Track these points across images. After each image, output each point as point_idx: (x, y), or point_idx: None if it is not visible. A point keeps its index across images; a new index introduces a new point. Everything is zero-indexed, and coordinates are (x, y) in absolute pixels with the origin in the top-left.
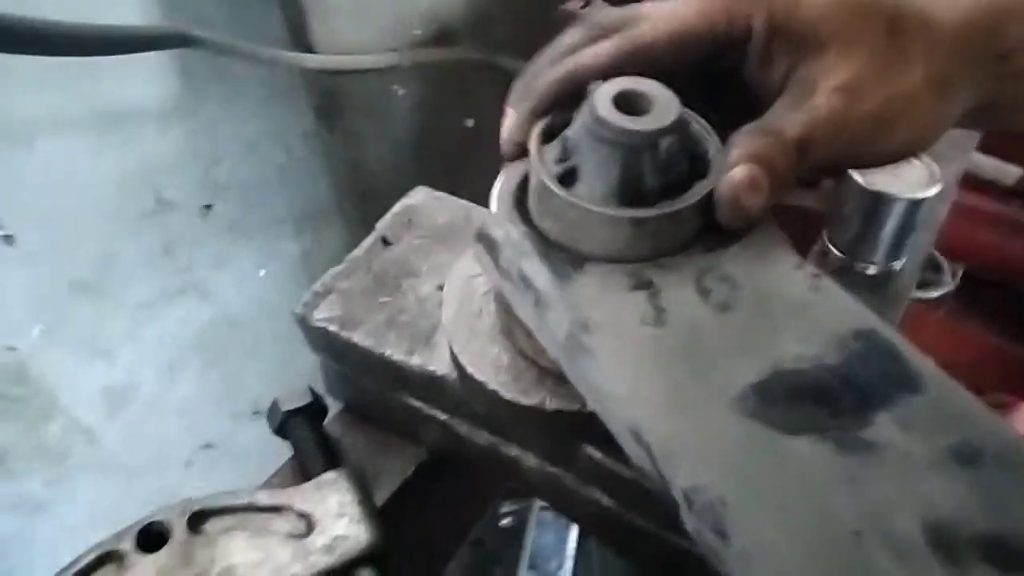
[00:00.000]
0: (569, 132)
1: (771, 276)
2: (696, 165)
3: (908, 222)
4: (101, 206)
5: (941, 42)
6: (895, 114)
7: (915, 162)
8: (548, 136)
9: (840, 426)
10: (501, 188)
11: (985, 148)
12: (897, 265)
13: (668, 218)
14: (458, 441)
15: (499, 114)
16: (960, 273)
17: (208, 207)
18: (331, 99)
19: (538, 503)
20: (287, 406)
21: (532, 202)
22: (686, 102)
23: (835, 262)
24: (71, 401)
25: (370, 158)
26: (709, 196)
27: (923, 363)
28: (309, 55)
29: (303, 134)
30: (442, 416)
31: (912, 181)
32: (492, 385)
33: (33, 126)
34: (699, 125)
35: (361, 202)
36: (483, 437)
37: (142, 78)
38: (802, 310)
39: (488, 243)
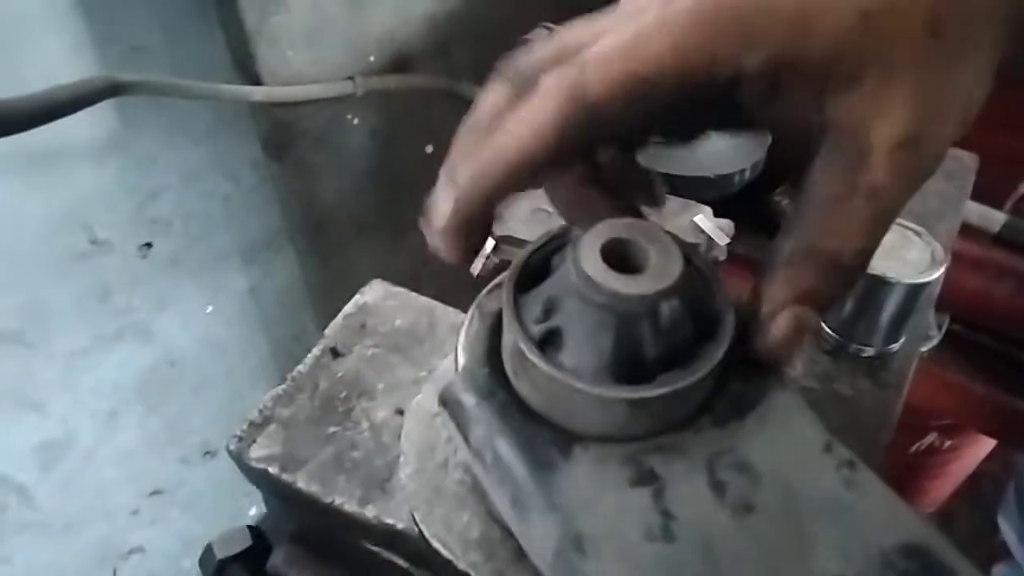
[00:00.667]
0: (551, 286)
1: (796, 463)
2: (703, 319)
3: (908, 305)
4: (28, 250)
5: (990, 26)
6: (955, 141)
7: (916, 240)
8: (526, 279)
9: None
10: (469, 333)
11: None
12: (895, 347)
13: (673, 396)
14: None
15: None
16: (946, 324)
17: (147, 245)
18: (281, 130)
19: None
20: (223, 553)
21: (507, 360)
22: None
23: (829, 342)
24: (0, 458)
25: (324, 190)
26: (721, 361)
27: None
28: (255, 88)
29: (252, 163)
30: (404, 564)
31: (913, 262)
32: (461, 565)
33: None
34: (703, 266)
35: (315, 235)
36: None
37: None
38: (837, 513)
39: (456, 410)
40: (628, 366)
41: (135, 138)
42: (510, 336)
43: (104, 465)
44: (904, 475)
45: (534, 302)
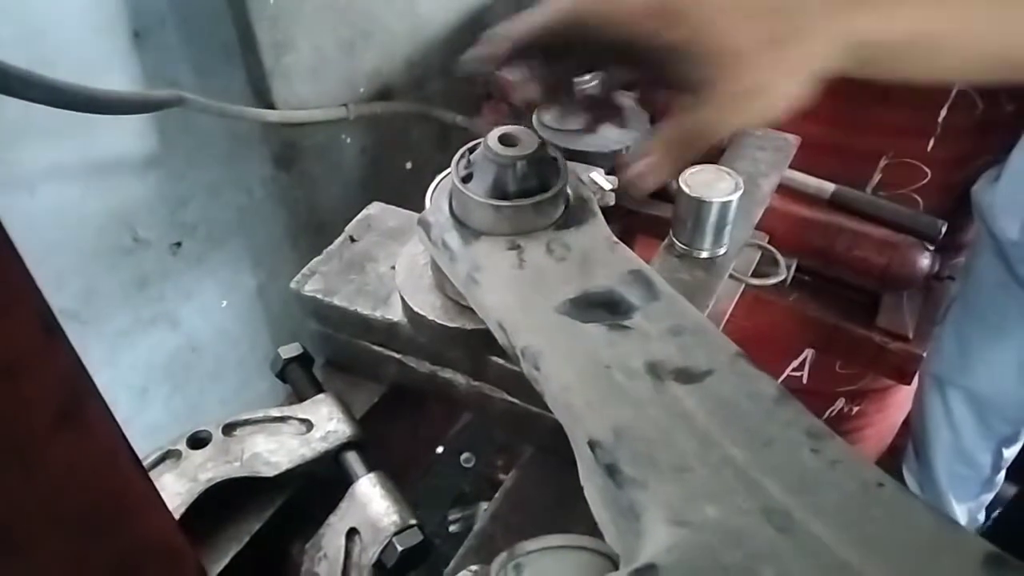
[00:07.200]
0: (477, 153)
1: (591, 245)
2: (546, 183)
3: (722, 219)
4: (86, 244)
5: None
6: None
7: (727, 178)
8: (469, 152)
9: (613, 319)
10: (434, 191)
11: (804, 169)
12: (721, 251)
13: (515, 209)
14: (408, 373)
15: (434, 157)
16: (794, 266)
17: (178, 245)
18: (288, 148)
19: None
20: (286, 355)
21: (453, 198)
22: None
23: (678, 250)
24: None
25: (322, 197)
26: (553, 199)
27: (665, 286)
28: (270, 111)
29: (262, 180)
30: (396, 355)
31: (723, 190)
32: (430, 317)
33: (35, 176)
34: (560, 165)
35: (314, 235)
36: (426, 367)
37: (125, 131)
38: (605, 261)
39: (425, 224)
40: (499, 193)
41: (170, 155)
42: (452, 177)
43: (137, 438)
44: None
45: (466, 160)
